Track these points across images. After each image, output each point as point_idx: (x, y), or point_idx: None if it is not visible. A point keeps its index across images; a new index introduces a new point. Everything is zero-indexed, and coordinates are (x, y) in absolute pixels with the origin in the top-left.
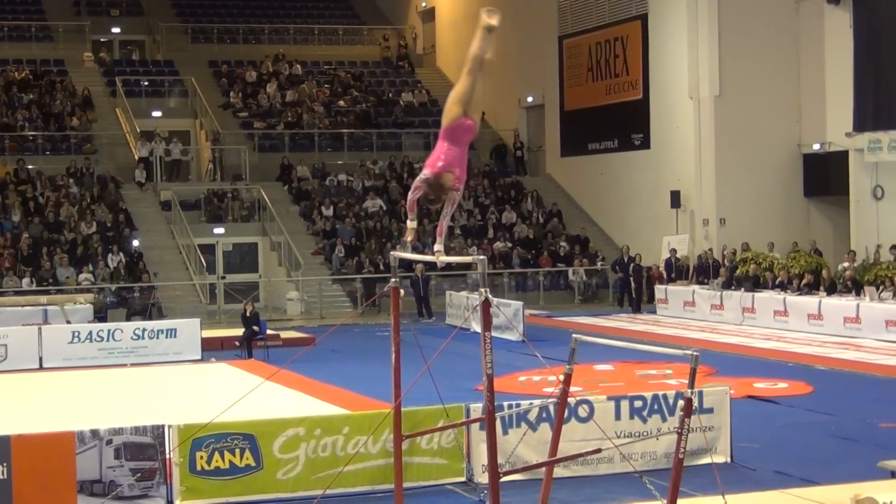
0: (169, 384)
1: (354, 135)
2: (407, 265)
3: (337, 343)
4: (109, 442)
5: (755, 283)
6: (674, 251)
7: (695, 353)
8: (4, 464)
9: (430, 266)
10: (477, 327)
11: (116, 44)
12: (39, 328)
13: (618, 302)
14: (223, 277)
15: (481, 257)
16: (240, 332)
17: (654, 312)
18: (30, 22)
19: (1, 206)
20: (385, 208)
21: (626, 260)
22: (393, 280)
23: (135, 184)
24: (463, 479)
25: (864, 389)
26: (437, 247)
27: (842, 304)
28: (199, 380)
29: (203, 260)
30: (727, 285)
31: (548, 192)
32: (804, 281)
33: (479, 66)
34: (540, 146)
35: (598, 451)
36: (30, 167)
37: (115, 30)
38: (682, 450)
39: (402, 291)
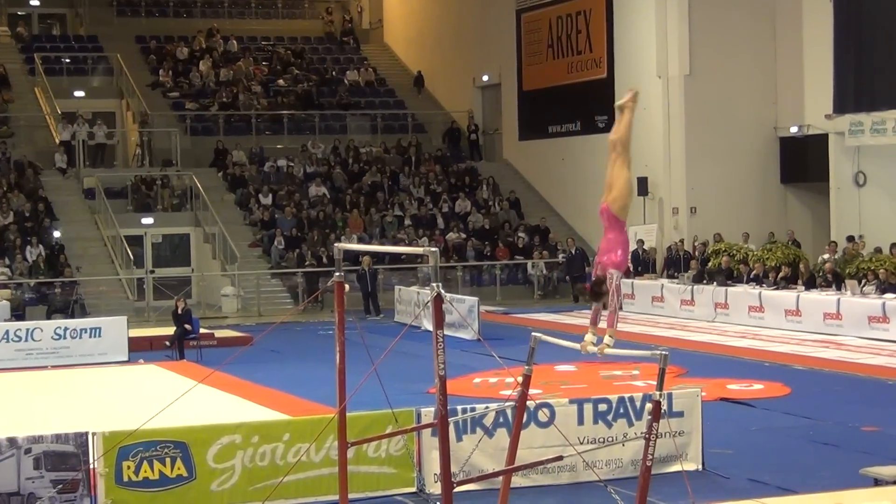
0: (93, 388)
1: (295, 117)
2: (352, 258)
3: (276, 343)
4: (28, 451)
5: (728, 277)
6: (641, 242)
7: (663, 353)
8: None
9: (378, 259)
10: (428, 325)
11: (35, 17)
12: None
13: (574, 297)
14: (152, 272)
15: (433, 249)
16: (170, 330)
17: (621, 308)
18: None
19: None
20: (329, 196)
21: (573, 253)
22: (337, 274)
23: (55, 170)
24: (413, 489)
25: (846, 391)
26: (606, 339)
27: (821, 299)
28: (126, 383)
29: (130, 253)
30: (698, 279)
31: (505, 179)
32: (781, 274)
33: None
34: (496, 129)
35: (560, 458)
36: None
37: (34, 2)
38: (650, 457)
39: (347, 286)
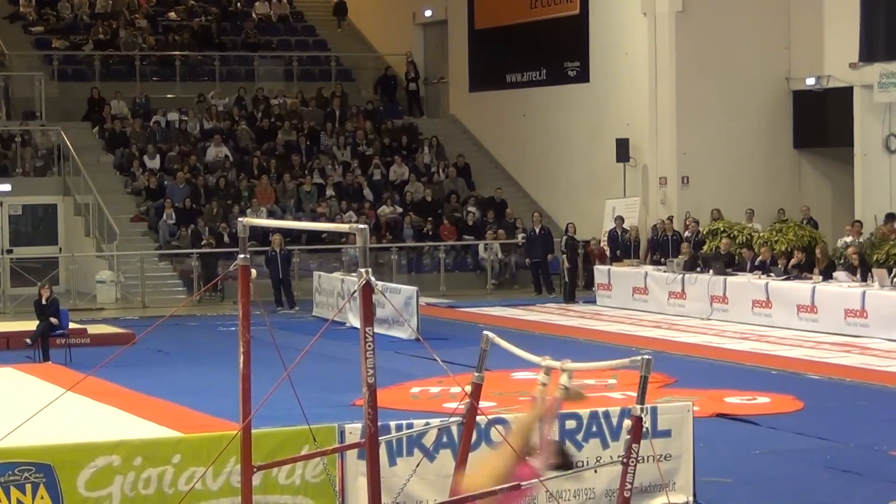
0: None
1: (190, 59)
2: (261, 237)
3: (165, 341)
4: None
5: (728, 264)
6: (620, 220)
7: (646, 357)
8: None
9: (292, 238)
10: (355, 321)
11: None
12: None
13: (536, 288)
14: (9, 251)
15: (361, 226)
16: (33, 325)
17: (594, 302)
18: None
19: None
20: (232, 159)
21: (536, 232)
22: (241, 256)
23: None
24: None
25: (871, 406)
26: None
27: (842, 293)
28: None
29: None
30: (691, 266)
31: (452, 140)
32: (793, 261)
33: None
34: (441, 77)
35: (517, 487)
36: None
37: None
38: (629, 486)
39: (253, 272)
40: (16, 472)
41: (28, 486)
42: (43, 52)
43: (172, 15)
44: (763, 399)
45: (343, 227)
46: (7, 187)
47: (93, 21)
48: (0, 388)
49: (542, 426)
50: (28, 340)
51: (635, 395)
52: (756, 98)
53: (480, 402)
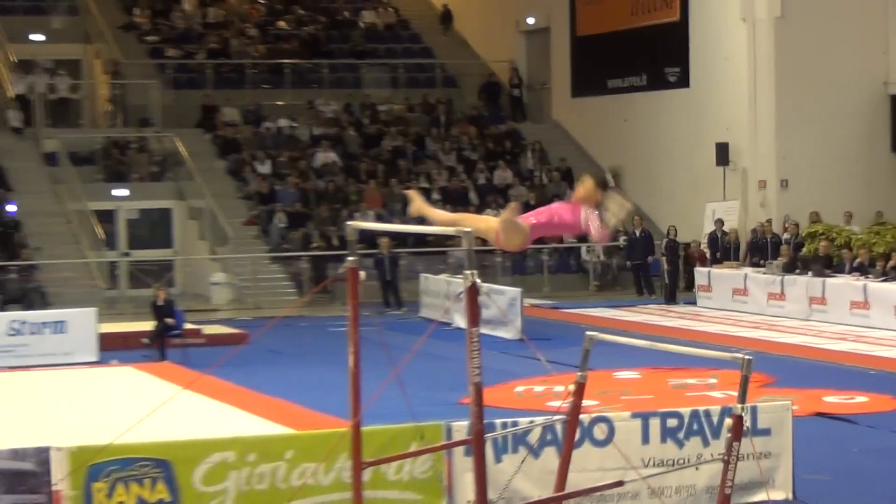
0: (57, 394)
1: (299, 67)
2: (369, 240)
3: (277, 341)
4: None
5: (827, 266)
6: (720, 223)
7: (747, 357)
8: None
9: (399, 241)
10: (461, 322)
11: None
12: None
13: (637, 289)
14: (127, 254)
15: (467, 230)
16: (149, 326)
17: (694, 303)
18: None
19: None
20: (340, 164)
21: (637, 235)
22: (350, 259)
23: (9, 130)
24: None
25: None
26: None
27: None
28: (96, 388)
29: (100, 231)
30: (790, 268)
31: (554, 144)
32: (891, 263)
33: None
34: (544, 83)
35: (621, 483)
36: None
37: None
38: (730, 483)
39: (362, 274)
40: (135, 467)
41: (147, 481)
42: (157, 61)
43: (282, 24)
44: (861, 398)
45: (449, 230)
46: (124, 192)
47: (205, 31)
48: (119, 386)
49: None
50: (146, 340)
51: (736, 394)
52: (854, 102)
53: (583, 401)
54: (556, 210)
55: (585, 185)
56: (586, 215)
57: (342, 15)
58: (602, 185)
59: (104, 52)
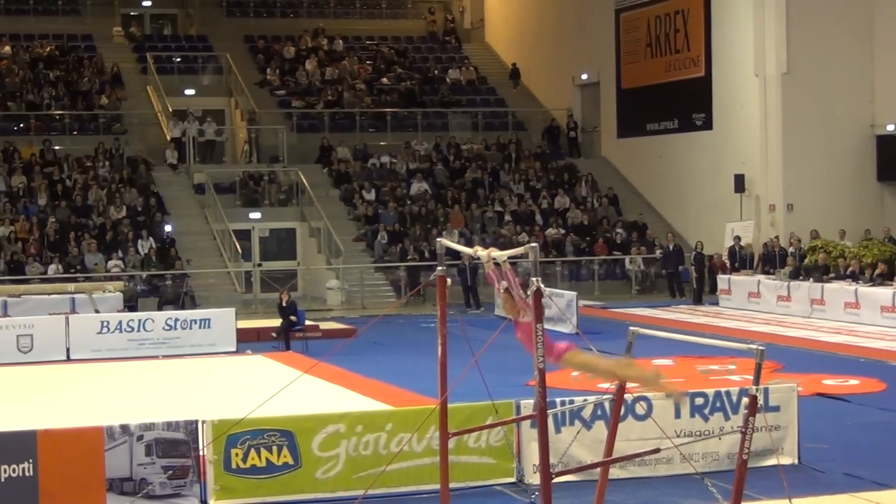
0: (202, 377)
1: (398, 114)
2: (454, 252)
3: (379, 335)
4: (140, 438)
5: (824, 273)
6: (738, 239)
7: (760, 348)
8: (30, 460)
9: None
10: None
11: (147, 18)
12: (67, 318)
13: (670, 293)
14: (259, 265)
15: (533, 245)
16: (277, 322)
17: (717, 304)
18: None
19: (27, 188)
20: (430, 192)
21: (670, 249)
22: (439, 268)
23: (167, 166)
24: (513, 479)
25: None
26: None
27: None
28: (234, 373)
29: (238, 246)
30: (795, 275)
31: (603, 176)
32: (877, 271)
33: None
34: (595, 127)
35: (657, 451)
36: (56, 148)
37: (146, 3)
38: (747, 450)
39: (448, 280)
40: (265, 436)
41: (274, 448)
42: (285, 111)
43: (385, 80)
44: (853, 381)
45: (519, 250)
46: (258, 215)
47: (323, 86)
48: (252, 371)
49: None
50: (274, 334)
51: (751, 378)
52: (847, 141)
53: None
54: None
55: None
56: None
57: (433, 73)
58: None
59: (243, 103)
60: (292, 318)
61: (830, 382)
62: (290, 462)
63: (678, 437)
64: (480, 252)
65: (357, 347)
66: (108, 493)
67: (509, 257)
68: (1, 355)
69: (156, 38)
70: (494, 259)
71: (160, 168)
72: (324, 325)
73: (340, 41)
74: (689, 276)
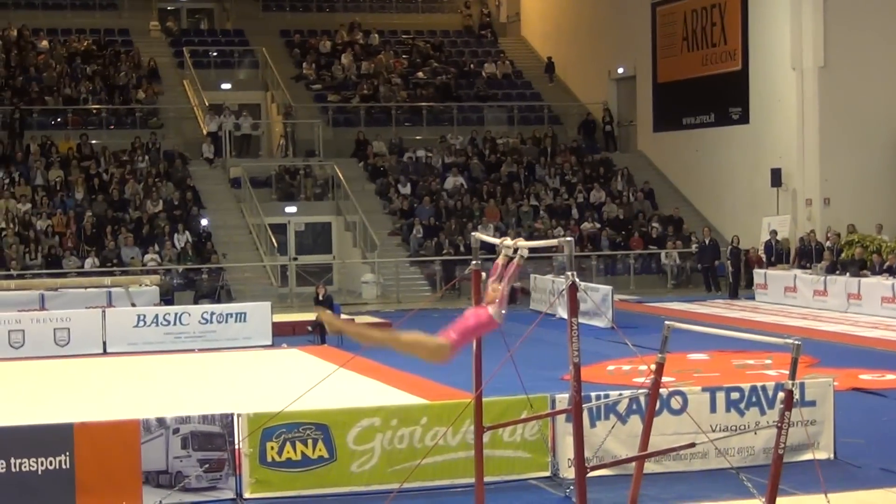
0: (238, 371)
1: (434, 108)
2: (489, 247)
3: (415, 328)
4: (176, 431)
5: (861, 268)
6: (774, 233)
7: (796, 342)
8: (67, 452)
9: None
10: (563, 313)
11: (184, 12)
12: (103, 311)
13: (706, 287)
14: (295, 259)
15: (568, 239)
16: (312, 316)
17: (753, 298)
18: None
19: (63, 182)
20: (466, 186)
21: (706, 243)
22: (474, 262)
23: (203, 160)
24: (547, 473)
25: None
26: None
27: None
28: (269, 366)
29: (274, 240)
30: (831, 270)
31: (639, 170)
32: None
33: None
34: (631, 121)
35: (692, 445)
36: (93, 142)
37: None
38: (782, 445)
39: (483, 274)
40: (300, 430)
41: (309, 441)
42: (320, 105)
43: (420, 74)
44: (891, 376)
45: (553, 242)
46: (294, 209)
47: (359, 80)
48: (288, 364)
49: (505, 282)
50: (309, 328)
51: (787, 372)
52: (884, 134)
53: (662, 378)
54: (470, 316)
55: (493, 291)
56: (496, 311)
57: (468, 67)
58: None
59: (279, 97)
60: (328, 311)
61: (867, 377)
62: (326, 455)
63: (713, 431)
64: (507, 242)
65: None
66: (144, 485)
67: (542, 248)
68: (38, 349)
69: (192, 32)
70: (517, 250)
71: (196, 162)
72: (359, 319)
73: (376, 35)
74: (725, 270)
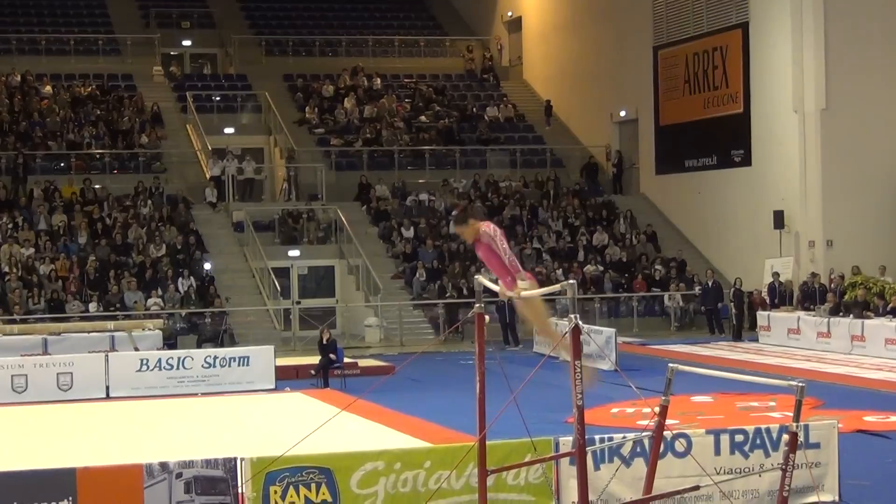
0: (241, 414)
1: (436, 152)
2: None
3: (418, 372)
4: (179, 475)
5: (865, 310)
6: (777, 275)
7: (800, 384)
8: (70, 497)
9: None
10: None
11: (187, 57)
12: (106, 355)
13: (710, 329)
14: (298, 302)
15: (571, 282)
16: (316, 360)
17: (756, 340)
18: (97, 35)
19: (67, 227)
20: None
21: (709, 285)
22: (477, 305)
23: (206, 204)
24: None
25: None
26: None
27: None
28: (272, 410)
29: (277, 284)
30: (835, 312)
31: (642, 213)
32: None
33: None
34: (633, 163)
35: (697, 488)
36: (97, 186)
37: (186, 43)
38: (787, 487)
39: (486, 317)
40: (303, 474)
41: (313, 485)
42: (323, 149)
43: (423, 118)
44: (895, 418)
45: (555, 287)
46: (297, 253)
47: (361, 124)
48: (291, 408)
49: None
50: (312, 371)
51: (791, 414)
52: (886, 176)
53: (667, 420)
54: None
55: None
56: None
57: (471, 111)
58: None
59: (282, 141)
60: (331, 355)
61: (871, 419)
62: (329, 500)
63: (718, 474)
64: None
65: (395, 384)
66: None
67: (545, 295)
68: (41, 393)
69: (195, 77)
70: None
71: (200, 206)
72: (362, 363)
73: (378, 79)
74: (729, 312)
